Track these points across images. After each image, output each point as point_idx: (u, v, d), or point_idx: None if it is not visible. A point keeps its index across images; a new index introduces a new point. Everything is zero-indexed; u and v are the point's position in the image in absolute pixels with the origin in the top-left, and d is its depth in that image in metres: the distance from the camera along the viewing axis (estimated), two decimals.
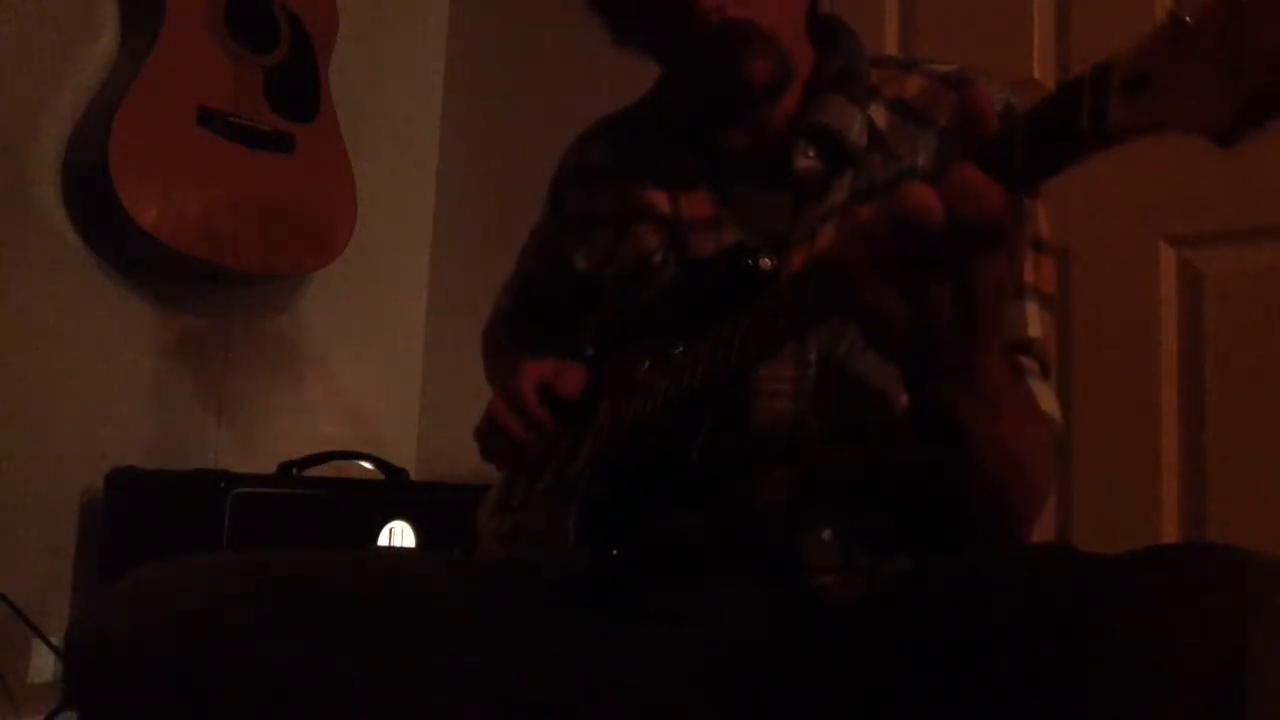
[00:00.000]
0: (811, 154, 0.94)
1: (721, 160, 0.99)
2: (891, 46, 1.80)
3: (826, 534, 0.86)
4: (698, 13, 0.89)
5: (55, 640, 1.79)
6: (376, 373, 2.38)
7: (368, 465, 2.05)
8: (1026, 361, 0.91)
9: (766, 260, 0.83)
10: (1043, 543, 0.82)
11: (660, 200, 1.01)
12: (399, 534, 1.86)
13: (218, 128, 1.93)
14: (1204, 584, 0.57)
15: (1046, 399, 0.90)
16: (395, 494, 1.95)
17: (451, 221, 2.50)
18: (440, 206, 2.52)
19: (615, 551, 0.84)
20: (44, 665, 1.83)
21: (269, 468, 1.93)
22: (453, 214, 2.50)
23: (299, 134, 2.05)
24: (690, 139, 1.01)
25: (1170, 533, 1.49)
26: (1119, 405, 1.51)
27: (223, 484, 1.68)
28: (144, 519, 1.79)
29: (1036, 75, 1.65)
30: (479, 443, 1.05)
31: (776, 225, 0.93)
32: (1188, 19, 0.52)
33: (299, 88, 2.07)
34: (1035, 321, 0.92)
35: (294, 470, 1.92)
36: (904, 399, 0.89)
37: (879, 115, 0.95)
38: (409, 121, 2.49)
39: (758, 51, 0.91)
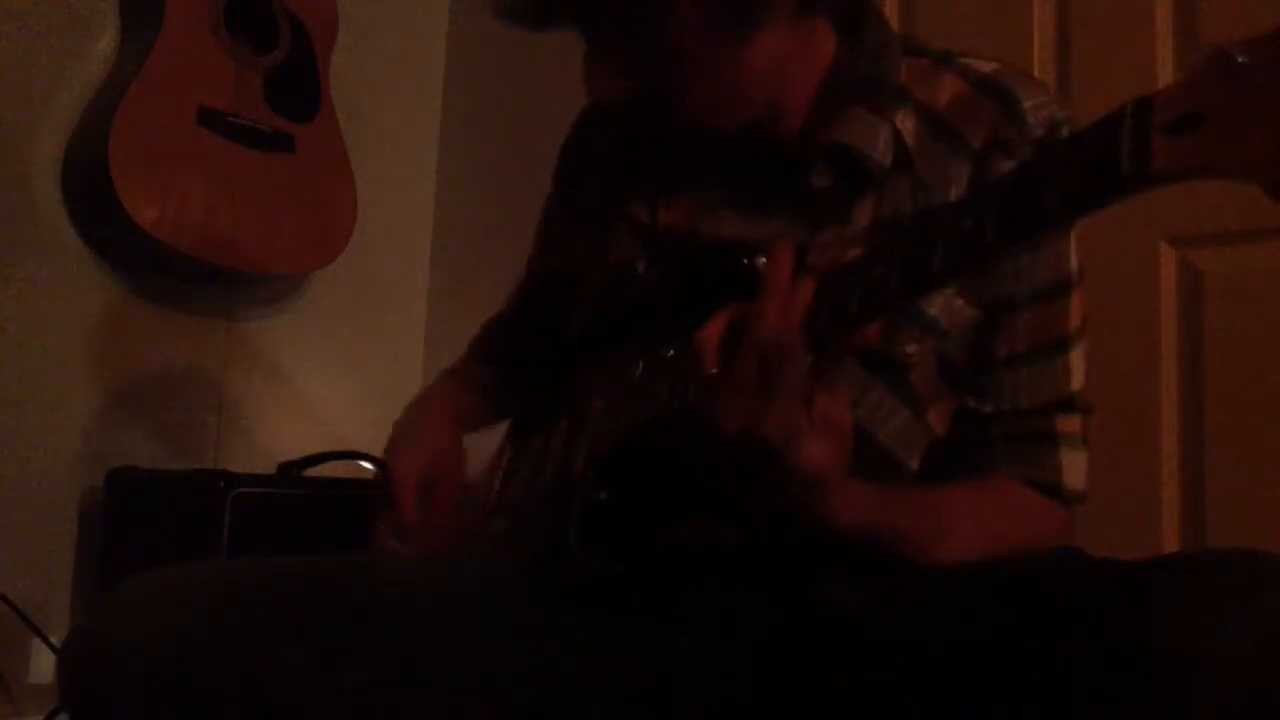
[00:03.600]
0: (829, 174, 0.87)
1: (729, 167, 0.95)
2: None
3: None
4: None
5: (55, 640, 1.78)
6: (377, 372, 2.38)
7: (368, 465, 2.04)
8: (1063, 423, 0.88)
9: (763, 260, 0.79)
10: (1050, 548, 0.81)
11: (639, 209, 0.98)
12: None
13: (218, 127, 1.93)
14: (1240, 590, 0.56)
15: (1072, 470, 0.87)
16: None
17: (451, 221, 2.50)
18: (440, 206, 2.52)
19: (617, 570, 0.84)
20: (44, 665, 1.83)
21: (269, 468, 1.93)
22: (453, 214, 2.50)
23: (299, 134, 2.04)
24: (692, 141, 0.96)
25: (1170, 533, 1.49)
26: (1119, 405, 1.51)
27: (223, 484, 1.68)
28: (144, 519, 1.79)
29: (1036, 74, 1.64)
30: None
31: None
32: (1240, 58, 0.48)
33: (299, 88, 2.07)
34: (1079, 370, 0.88)
35: (294, 470, 1.92)
36: (914, 462, 0.89)
37: (907, 126, 0.87)
38: (409, 121, 2.49)
39: (780, 126, 0.88)
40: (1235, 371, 1.46)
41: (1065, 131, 0.85)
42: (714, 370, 0.72)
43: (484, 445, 1.13)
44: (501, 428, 1.14)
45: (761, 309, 0.70)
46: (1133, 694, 0.55)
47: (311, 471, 1.93)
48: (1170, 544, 1.47)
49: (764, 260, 0.75)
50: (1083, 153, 0.55)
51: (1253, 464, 1.43)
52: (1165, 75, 1.53)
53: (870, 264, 0.68)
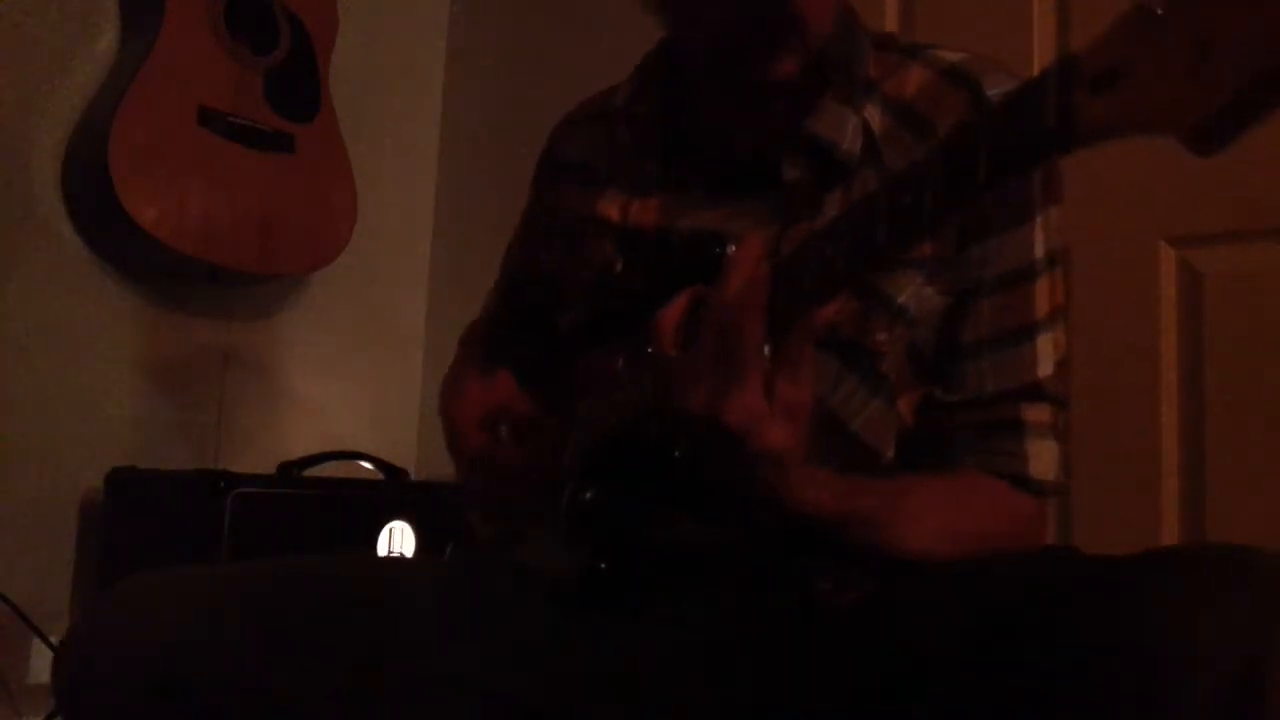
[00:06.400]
0: (800, 165, 0.89)
1: (701, 165, 0.95)
2: None
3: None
4: None
5: (55, 640, 1.78)
6: (376, 373, 2.38)
7: (368, 465, 2.05)
8: (1030, 411, 0.87)
9: (734, 249, 0.79)
10: (1045, 545, 0.81)
11: (612, 209, 0.98)
12: (399, 534, 1.86)
13: (218, 128, 1.93)
14: (1224, 585, 0.57)
15: (1039, 460, 0.86)
16: (395, 494, 1.95)
17: (451, 222, 2.50)
18: (440, 207, 2.52)
19: (603, 565, 0.84)
20: (44, 666, 1.83)
21: (269, 468, 1.93)
22: (453, 214, 2.50)
23: (299, 134, 2.04)
24: (664, 140, 0.98)
25: (1170, 533, 1.49)
26: (1119, 405, 1.51)
27: (223, 484, 1.68)
28: (144, 519, 1.79)
29: (1036, 74, 1.64)
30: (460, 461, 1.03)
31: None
32: (1158, 10, 0.47)
33: (299, 88, 2.07)
34: (1048, 356, 0.88)
35: (294, 470, 1.92)
36: (889, 451, 0.88)
37: (875, 116, 0.89)
38: (409, 121, 2.49)
39: (793, 48, 0.85)
40: (1235, 371, 1.46)
41: None
42: (670, 352, 0.72)
43: None
44: None
45: (719, 288, 0.70)
46: (1123, 689, 0.56)
47: (311, 471, 1.93)
48: (1170, 542, 1.47)
49: (734, 249, 0.75)
50: (1010, 114, 0.55)
51: (1253, 463, 1.43)
52: None
53: (822, 243, 0.69)
